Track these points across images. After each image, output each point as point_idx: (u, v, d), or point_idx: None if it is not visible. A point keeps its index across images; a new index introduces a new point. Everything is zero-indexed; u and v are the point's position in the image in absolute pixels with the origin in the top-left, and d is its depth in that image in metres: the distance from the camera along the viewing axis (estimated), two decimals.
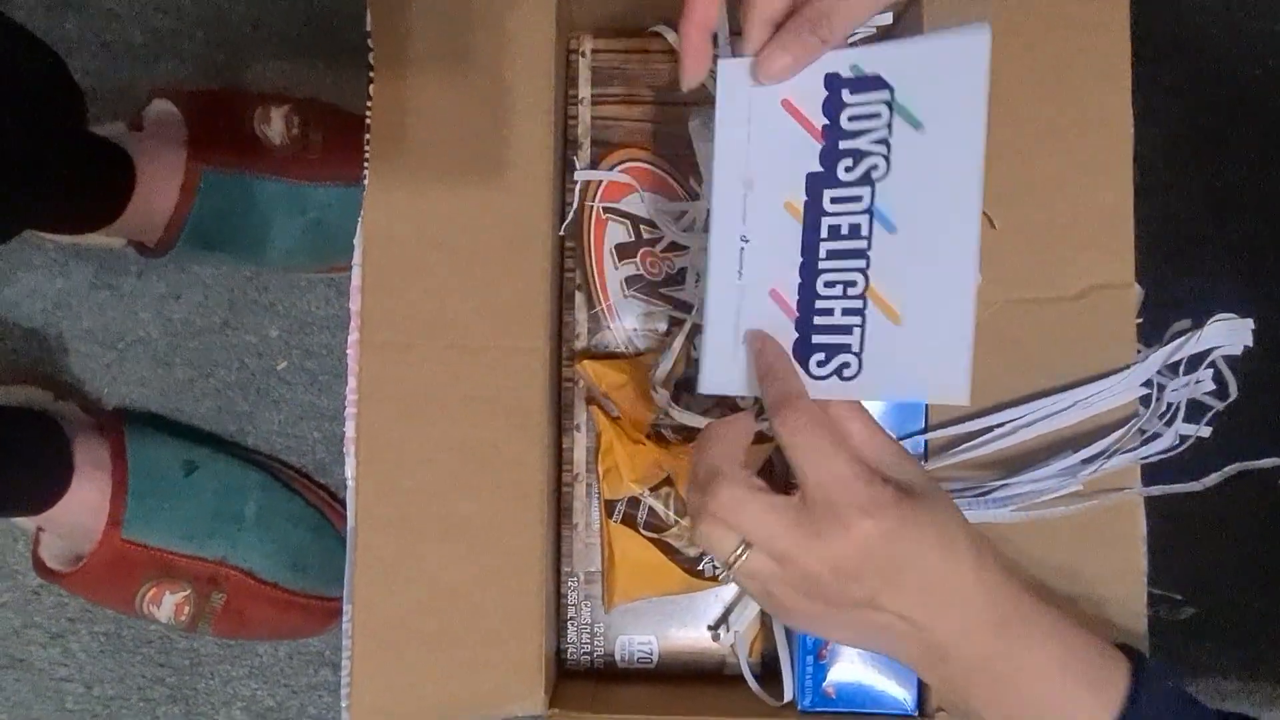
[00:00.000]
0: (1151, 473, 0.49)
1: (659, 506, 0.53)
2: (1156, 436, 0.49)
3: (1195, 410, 0.50)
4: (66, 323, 0.77)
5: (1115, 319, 0.49)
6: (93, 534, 0.68)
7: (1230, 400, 0.50)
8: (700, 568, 0.53)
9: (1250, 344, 0.49)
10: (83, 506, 0.68)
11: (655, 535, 0.53)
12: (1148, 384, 0.49)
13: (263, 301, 0.77)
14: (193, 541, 0.70)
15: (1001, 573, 0.37)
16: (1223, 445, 0.49)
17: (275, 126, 0.72)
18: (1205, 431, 0.49)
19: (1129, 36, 0.50)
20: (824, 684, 0.50)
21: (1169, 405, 0.49)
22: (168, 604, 0.70)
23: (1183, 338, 0.49)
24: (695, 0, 0.37)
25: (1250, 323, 0.49)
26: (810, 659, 0.50)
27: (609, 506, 0.53)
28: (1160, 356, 0.49)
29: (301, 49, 0.77)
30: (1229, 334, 0.49)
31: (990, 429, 0.49)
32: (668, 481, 0.53)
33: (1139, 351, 0.49)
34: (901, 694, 0.49)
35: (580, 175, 0.55)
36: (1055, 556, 0.49)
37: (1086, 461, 0.48)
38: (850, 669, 0.50)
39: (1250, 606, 0.72)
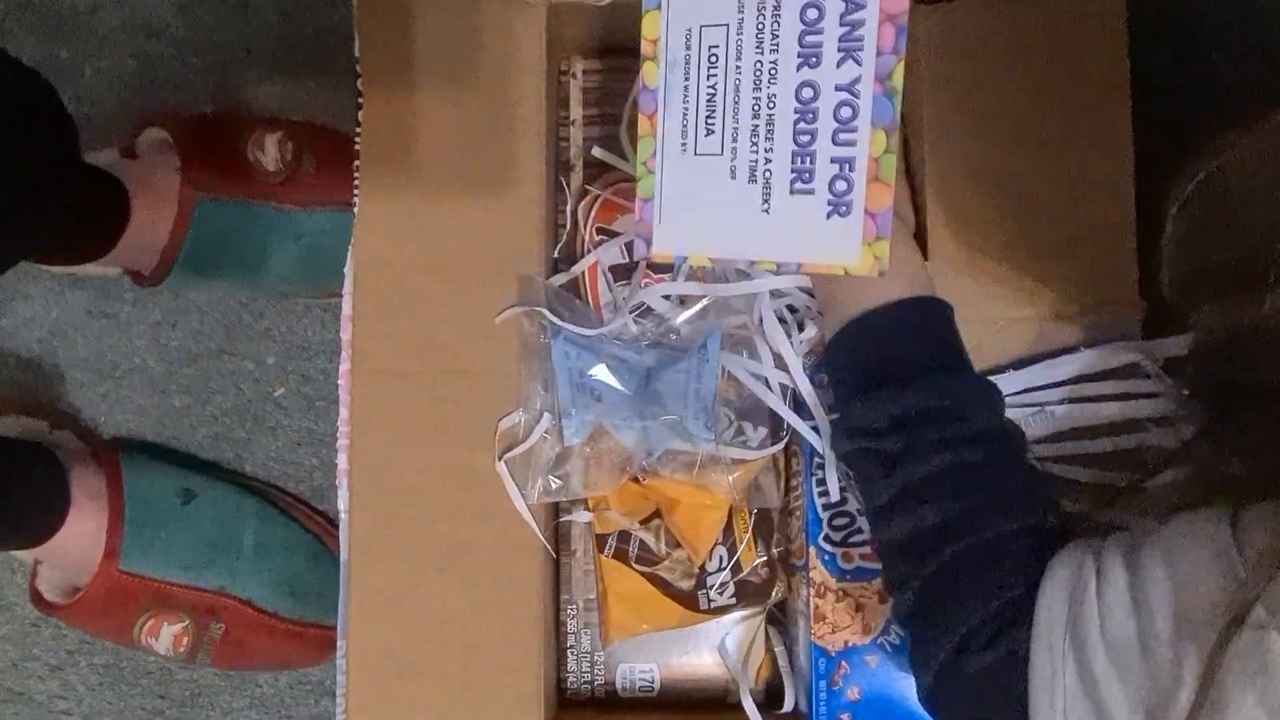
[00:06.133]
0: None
1: (650, 540, 0.52)
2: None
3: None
4: (62, 352, 0.77)
5: (1118, 336, 0.48)
6: (90, 565, 0.67)
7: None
8: (697, 600, 0.52)
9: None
10: (79, 538, 0.68)
11: (648, 569, 0.52)
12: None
13: (259, 328, 0.77)
14: (190, 571, 0.69)
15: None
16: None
17: (269, 152, 0.71)
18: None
19: (1127, 52, 0.49)
20: (840, 712, 0.48)
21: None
22: (166, 635, 0.70)
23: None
24: None
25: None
26: (824, 684, 0.49)
27: (600, 541, 0.53)
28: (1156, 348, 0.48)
29: (294, 74, 0.77)
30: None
31: None
32: (657, 514, 0.52)
33: (1142, 365, 0.48)
34: (923, 711, 0.48)
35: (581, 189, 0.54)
36: None
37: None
38: (867, 689, 0.48)
39: None
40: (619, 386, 0.48)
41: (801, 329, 0.50)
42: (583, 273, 0.53)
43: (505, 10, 0.49)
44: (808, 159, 0.40)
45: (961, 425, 0.41)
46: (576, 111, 0.56)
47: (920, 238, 0.50)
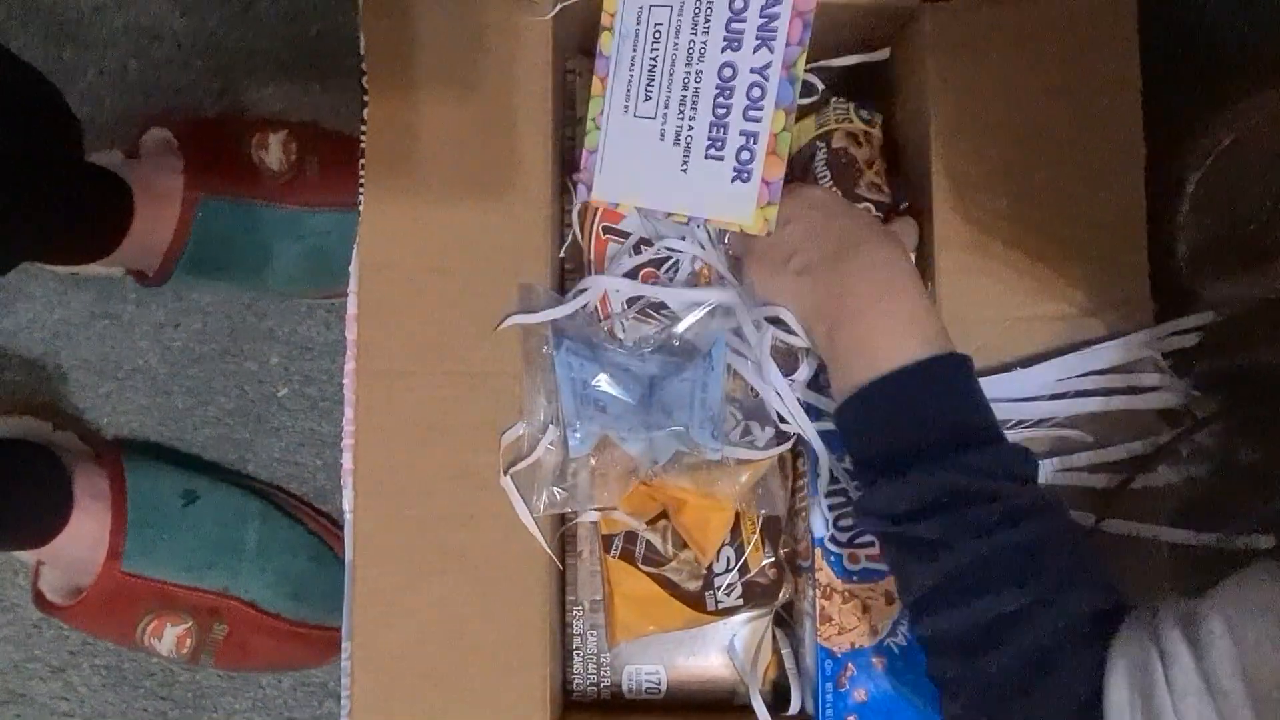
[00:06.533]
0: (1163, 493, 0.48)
1: (656, 540, 0.52)
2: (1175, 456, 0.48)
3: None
4: (65, 352, 0.77)
5: (1128, 334, 0.48)
6: (92, 567, 0.67)
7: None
8: (704, 601, 0.52)
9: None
10: (82, 539, 0.67)
11: (655, 570, 0.52)
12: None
13: (262, 328, 0.77)
14: (193, 572, 0.69)
15: (896, 255, 0.44)
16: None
17: (273, 152, 0.71)
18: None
19: (1138, 48, 0.49)
20: (846, 714, 0.48)
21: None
22: (169, 636, 0.69)
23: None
24: None
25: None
26: (830, 685, 0.49)
27: (606, 542, 0.52)
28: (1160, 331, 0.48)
29: (298, 75, 0.77)
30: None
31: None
32: (663, 514, 0.52)
33: (1155, 367, 0.48)
34: (929, 713, 0.48)
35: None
36: None
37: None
38: (873, 691, 0.48)
39: None
40: (623, 396, 0.48)
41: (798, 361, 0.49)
42: (590, 271, 0.52)
43: (510, 10, 0.49)
44: (722, 129, 0.46)
45: (1001, 504, 0.39)
46: (582, 111, 0.55)
47: (926, 236, 0.50)
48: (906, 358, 0.42)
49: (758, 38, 0.44)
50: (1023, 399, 0.48)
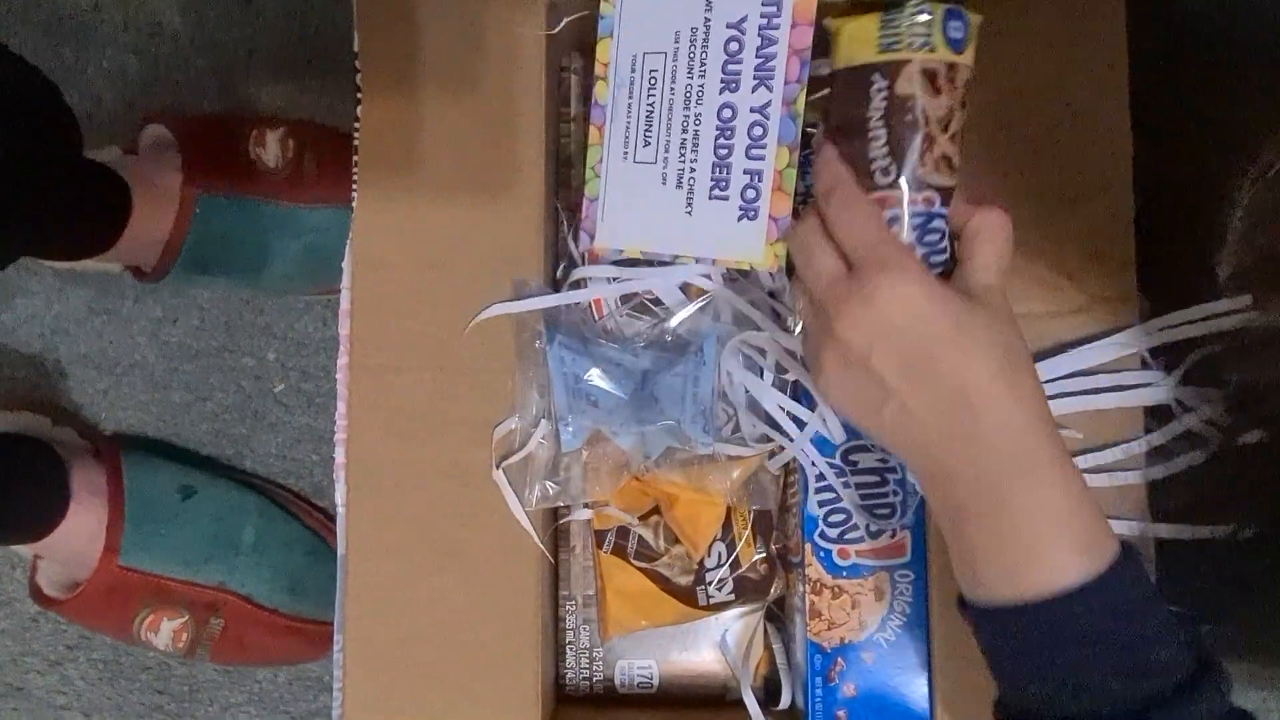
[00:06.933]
0: (1160, 488, 0.48)
1: (648, 535, 0.52)
2: (1165, 454, 0.48)
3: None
4: (63, 348, 0.77)
5: (1117, 332, 0.48)
6: (89, 561, 0.68)
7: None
8: (695, 596, 0.52)
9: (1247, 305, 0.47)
10: (79, 533, 0.68)
11: (647, 565, 0.52)
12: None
13: (259, 324, 0.77)
14: (190, 567, 0.69)
15: (1031, 401, 0.36)
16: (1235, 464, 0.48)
17: (270, 150, 0.71)
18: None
19: (1126, 49, 0.49)
20: (836, 708, 0.48)
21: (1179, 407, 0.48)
22: (165, 630, 0.70)
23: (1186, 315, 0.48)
24: None
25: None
26: (819, 680, 0.49)
27: (599, 537, 0.53)
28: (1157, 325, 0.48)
29: (296, 72, 0.77)
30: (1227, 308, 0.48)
31: None
32: (656, 510, 0.52)
33: (1142, 363, 0.48)
34: (918, 708, 0.48)
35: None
36: None
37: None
38: (862, 686, 0.48)
39: (1269, 622, 0.70)
40: (615, 391, 0.48)
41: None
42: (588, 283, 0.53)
43: (505, 7, 0.49)
44: (725, 170, 0.46)
45: None
46: (577, 108, 0.56)
47: None
48: (1065, 579, 0.34)
49: (755, 78, 0.44)
50: None
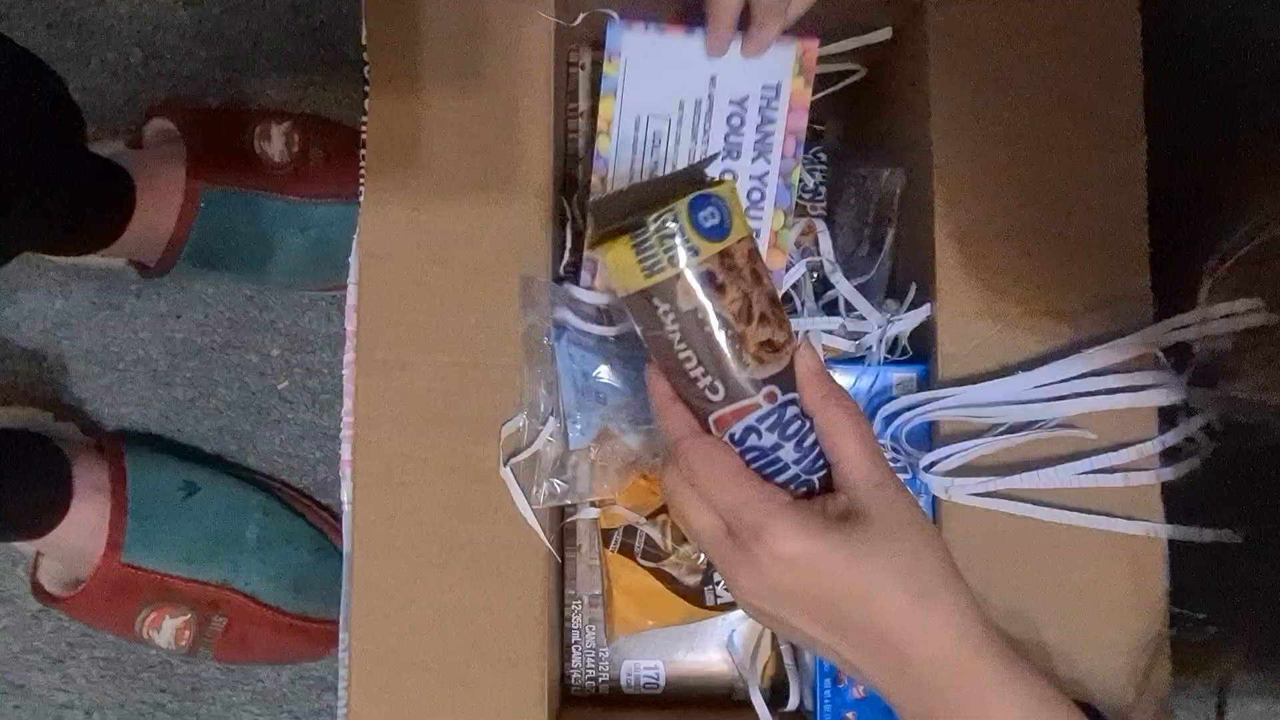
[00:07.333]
0: (1172, 488, 0.48)
1: (656, 534, 0.52)
2: (1178, 455, 0.48)
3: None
4: (67, 343, 0.77)
5: (1128, 333, 0.48)
6: (92, 557, 0.67)
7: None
8: (703, 596, 0.52)
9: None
10: (81, 530, 0.67)
11: (654, 564, 0.52)
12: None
13: (264, 320, 0.77)
14: (193, 564, 0.69)
15: (953, 619, 0.35)
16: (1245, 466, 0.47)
17: (275, 143, 0.71)
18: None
19: (1140, 47, 0.49)
20: (845, 710, 0.48)
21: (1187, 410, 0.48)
22: (168, 628, 0.69)
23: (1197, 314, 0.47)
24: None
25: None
26: (828, 683, 0.48)
27: (606, 536, 0.52)
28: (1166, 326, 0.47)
29: (302, 66, 0.77)
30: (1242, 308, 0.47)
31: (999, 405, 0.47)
32: (663, 509, 0.51)
33: (1155, 363, 0.48)
34: None
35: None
36: (1074, 577, 0.48)
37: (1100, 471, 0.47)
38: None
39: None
40: (624, 388, 0.48)
41: None
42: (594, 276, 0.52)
43: (513, 1, 0.49)
44: None
45: None
46: (585, 103, 0.55)
47: (928, 236, 0.49)
48: None
49: (755, 150, 0.48)
50: (1024, 401, 0.48)
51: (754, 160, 0.49)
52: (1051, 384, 0.47)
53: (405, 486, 0.48)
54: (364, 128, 0.49)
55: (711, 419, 0.37)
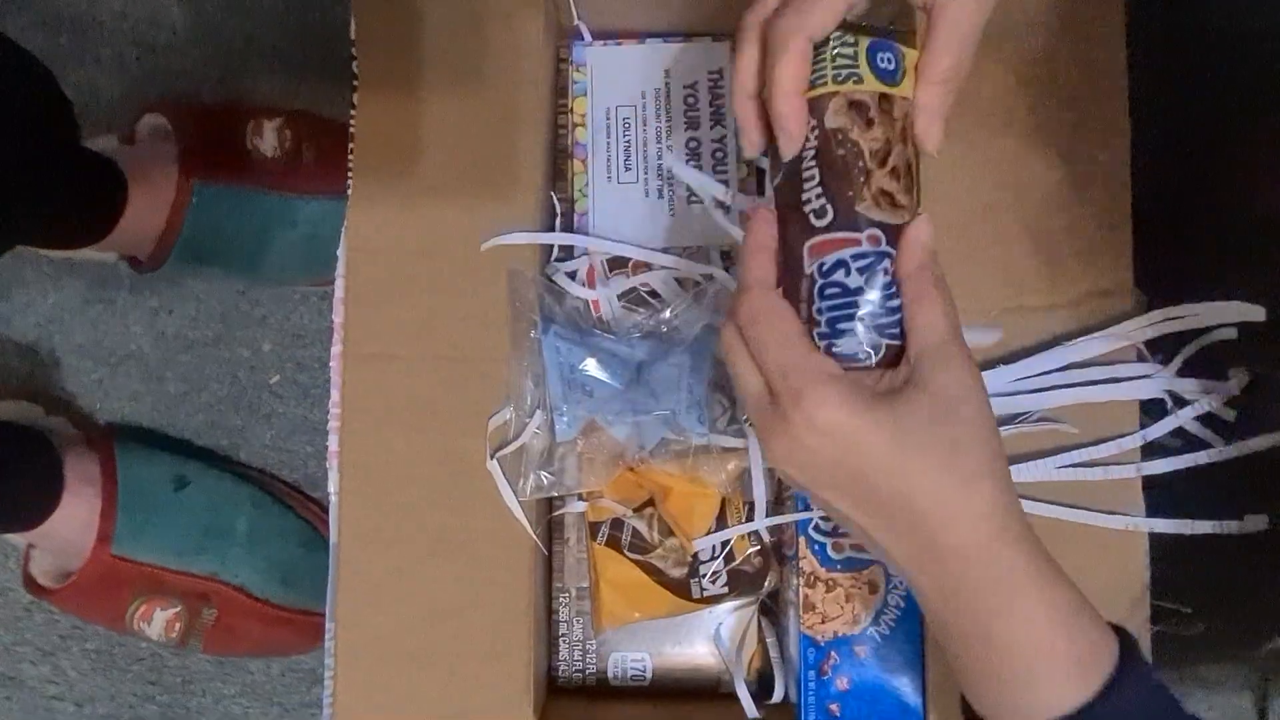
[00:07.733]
0: (1154, 482, 0.48)
1: (642, 527, 0.52)
2: (1162, 448, 0.48)
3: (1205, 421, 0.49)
4: (59, 337, 0.77)
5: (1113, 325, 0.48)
6: (83, 550, 0.67)
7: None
8: (689, 588, 0.52)
9: (1262, 318, 0.47)
10: (72, 522, 0.68)
11: (640, 557, 0.52)
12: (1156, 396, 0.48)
13: (255, 315, 0.77)
14: (183, 557, 0.69)
15: (992, 503, 0.34)
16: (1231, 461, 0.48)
17: (268, 140, 0.71)
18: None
19: (1125, 43, 0.49)
20: (829, 702, 0.48)
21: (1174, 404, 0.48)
22: (158, 620, 0.70)
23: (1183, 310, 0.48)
24: (739, 73, 0.38)
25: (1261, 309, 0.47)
26: (813, 674, 0.49)
27: (593, 529, 0.52)
28: (1149, 320, 0.48)
29: (294, 63, 0.77)
30: (1237, 313, 0.47)
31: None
32: (650, 502, 0.52)
33: (1138, 356, 0.48)
34: (911, 702, 0.48)
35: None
36: None
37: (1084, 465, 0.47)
38: (856, 679, 0.48)
39: (1264, 621, 0.70)
40: (610, 381, 0.48)
41: None
42: (583, 268, 0.53)
43: None
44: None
45: None
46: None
47: None
48: (1061, 707, 0.33)
49: (711, 119, 0.54)
50: (1005, 394, 0.48)
51: (712, 126, 0.54)
52: (1033, 377, 0.48)
53: (392, 478, 0.48)
54: (352, 123, 0.49)
55: (807, 245, 0.37)
